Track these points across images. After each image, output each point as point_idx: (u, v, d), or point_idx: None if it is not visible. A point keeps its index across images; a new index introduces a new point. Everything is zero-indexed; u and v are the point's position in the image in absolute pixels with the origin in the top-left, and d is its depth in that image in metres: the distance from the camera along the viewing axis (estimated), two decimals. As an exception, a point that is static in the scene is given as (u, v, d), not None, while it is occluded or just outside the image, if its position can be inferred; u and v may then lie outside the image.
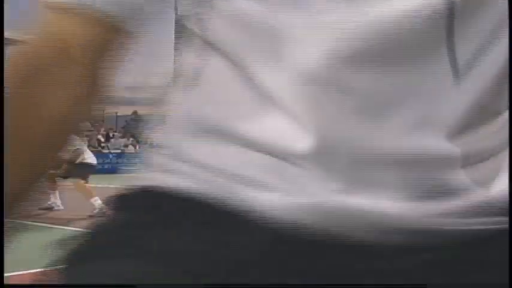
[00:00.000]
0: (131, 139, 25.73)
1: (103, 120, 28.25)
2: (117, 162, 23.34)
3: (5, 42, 0.57)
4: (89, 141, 23.45)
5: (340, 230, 0.44)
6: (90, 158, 7.35)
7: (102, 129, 26.05)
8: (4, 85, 0.50)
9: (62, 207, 7.25)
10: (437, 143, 0.45)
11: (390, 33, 0.44)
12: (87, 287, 0.47)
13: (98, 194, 6.69)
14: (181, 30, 0.54)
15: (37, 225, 5.22)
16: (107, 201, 0.55)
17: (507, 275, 0.44)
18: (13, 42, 0.54)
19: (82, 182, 7.00)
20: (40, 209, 6.51)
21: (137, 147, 25.24)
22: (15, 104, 0.50)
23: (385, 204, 0.45)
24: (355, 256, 0.44)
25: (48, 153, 0.53)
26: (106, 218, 0.54)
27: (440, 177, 0.45)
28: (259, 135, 0.47)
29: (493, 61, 0.47)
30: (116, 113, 29.61)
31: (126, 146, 25.11)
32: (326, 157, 0.45)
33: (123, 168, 22.96)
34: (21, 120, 0.50)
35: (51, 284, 0.52)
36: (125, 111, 32.88)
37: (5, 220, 0.51)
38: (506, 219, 0.46)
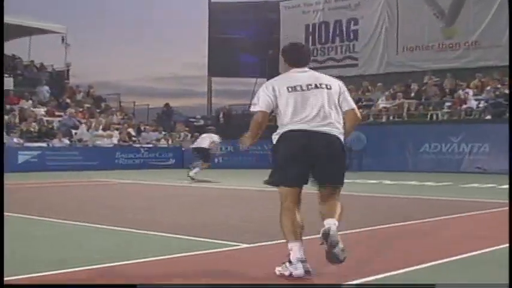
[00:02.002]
0: (163, 133, 25.72)
1: (133, 113, 28.38)
2: (149, 157, 23.38)
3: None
4: (119, 134, 23.62)
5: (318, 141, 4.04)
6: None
7: (133, 122, 26.14)
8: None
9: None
10: None
11: None
12: (87, 287, 0.37)
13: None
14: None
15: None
16: None
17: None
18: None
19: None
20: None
21: (170, 141, 25.26)
22: None
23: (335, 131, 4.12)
24: None
25: None
26: None
27: None
28: None
29: None
30: (148, 105, 29.64)
31: (158, 140, 25.05)
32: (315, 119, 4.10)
33: (155, 163, 23.05)
34: None
35: (51, 284, 0.38)
36: (157, 103, 32.83)
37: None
38: None
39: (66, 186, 13.42)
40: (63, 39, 27.76)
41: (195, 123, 28.52)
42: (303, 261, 3.95)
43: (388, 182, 14.98)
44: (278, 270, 4.06)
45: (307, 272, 3.96)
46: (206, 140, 16.61)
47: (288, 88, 4.20)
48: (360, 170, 19.44)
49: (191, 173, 15.64)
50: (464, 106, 21.42)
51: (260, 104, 4.21)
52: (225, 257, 4.85)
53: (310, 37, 28.51)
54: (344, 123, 4.24)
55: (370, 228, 6.44)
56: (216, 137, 16.83)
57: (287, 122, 4.14)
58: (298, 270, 3.94)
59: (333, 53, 27.97)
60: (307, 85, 4.23)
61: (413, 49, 25.39)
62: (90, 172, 18.76)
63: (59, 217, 7.18)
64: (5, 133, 19.34)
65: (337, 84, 4.35)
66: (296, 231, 4.00)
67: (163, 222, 6.89)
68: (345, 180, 4.14)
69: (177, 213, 8.08)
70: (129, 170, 20.75)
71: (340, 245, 3.84)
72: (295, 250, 3.97)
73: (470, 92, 21.80)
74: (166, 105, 30.44)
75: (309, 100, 4.16)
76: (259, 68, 30.21)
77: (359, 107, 22.49)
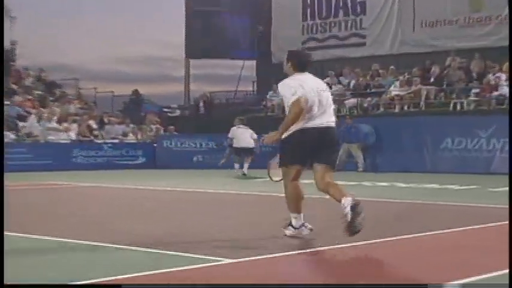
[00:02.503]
0: (131, 125, 25.63)
1: (95, 102, 28.20)
2: (114, 155, 23.25)
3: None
4: (78, 128, 23.49)
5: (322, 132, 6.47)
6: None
7: (94, 113, 25.98)
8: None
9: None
10: None
11: None
12: (87, 286, 0.49)
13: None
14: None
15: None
16: None
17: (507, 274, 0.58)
18: None
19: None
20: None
21: (139, 136, 25.15)
22: None
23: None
24: None
25: None
26: None
27: None
28: None
29: None
30: (112, 92, 29.44)
31: (125, 134, 24.92)
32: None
33: (122, 162, 22.94)
34: None
35: (52, 284, 0.47)
36: (124, 90, 32.57)
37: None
38: None
39: (11, 191, 13.24)
40: (6, 12, 27.56)
41: (170, 114, 28.49)
42: (304, 225, 6.65)
43: (402, 184, 15.06)
44: (287, 232, 6.65)
45: (310, 229, 6.64)
46: (249, 138, 17.96)
47: (307, 88, 6.42)
48: (376, 171, 19.99)
49: (245, 171, 17.99)
50: (495, 93, 21.50)
51: (299, 92, 6.32)
52: (202, 274, 4.86)
53: (308, 10, 28.47)
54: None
55: (380, 240, 6.51)
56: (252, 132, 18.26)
57: (308, 118, 6.44)
58: (304, 231, 6.63)
59: (336, 30, 28.02)
60: (317, 87, 6.54)
61: (433, 24, 25.41)
62: (42, 173, 18.67)
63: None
64: None
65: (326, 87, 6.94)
66: (299, 205, 6.65)
67: (129, 233, 6.94)
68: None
69: (143, 222, 8.14)
70: (89, 171, 20.66)
71: (363, 214, 6.08)
72: (298, 218, 6.66)
73: (503, 76, 21.76)
74: (135, 92, 30.42)
75: (322, 100, 6.53)
76: (247, 48, 30.10)
77: (367, 95, 22.47)
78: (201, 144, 23.59)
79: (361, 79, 25.24)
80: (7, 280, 4.46)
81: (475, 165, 19.48)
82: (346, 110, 23.68)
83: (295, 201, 6.63)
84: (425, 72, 23.96)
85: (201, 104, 28.60)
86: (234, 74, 30.99)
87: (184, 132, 25.25)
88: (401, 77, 24.27)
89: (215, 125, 24.26)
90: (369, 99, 24.02)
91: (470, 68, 23.36)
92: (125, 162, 23.12)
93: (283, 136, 6.43)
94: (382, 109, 23.35)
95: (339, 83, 25.99)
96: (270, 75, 26.17)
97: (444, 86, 23.09)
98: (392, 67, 25.01)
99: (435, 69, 23.72)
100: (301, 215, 6.66)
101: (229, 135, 18.78)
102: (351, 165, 20.50)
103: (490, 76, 22.00)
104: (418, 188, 14.33)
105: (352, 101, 24.26)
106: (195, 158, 23.43)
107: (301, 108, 6.26)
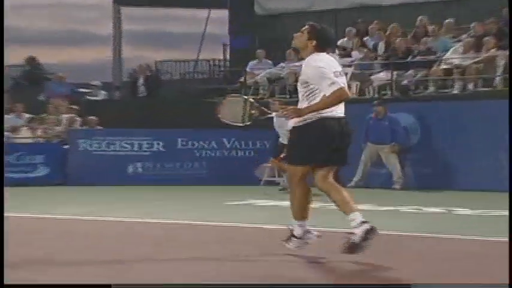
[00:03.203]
0: (27, 115, 25.34)
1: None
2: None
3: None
4: None
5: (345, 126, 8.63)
6: None
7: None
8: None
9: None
10: None
11: None
12: (87, 286, 0.76)
13: None
14: None
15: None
16: None
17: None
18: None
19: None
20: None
21: (39, 132, 24.41)
22: None
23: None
24: None
25: None
26: None
27: None
28: None
29: None
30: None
31: (15, 129, 24.30)
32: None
33: (9, 175, 22.19)
34: None
35: (52, 284, 3.83)
36: (14, 57, 31.85)
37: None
38: None
39: None
40: None
41: (90, 97, 27.94)
42: (309, 232, 8.75)
43: (465, 211, 15.09)
44: (291, 245, 8.73)
45: (318, 236, 8.78)
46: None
47: (334, 73, 8.45)
48: (423, 189, 20.21)
49: (282, 183, 19.88)
50: None
51: (339, 82, 8.40)
52: None
53: None
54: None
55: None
56: None
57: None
58: (312, 238, 8.75)
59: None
60: (339, 71, 8.61)
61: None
62: None
63: None
64: None
65: None
66: (306, 210, 8.69)
67: None
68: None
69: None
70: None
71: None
72: (303, 225, 8.71)
73: None
74: (31, 60, 29.77)
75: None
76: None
77: (407, 66, 23.02)
78: (140, 146, 23.35)
79: (398, 40, 24.92)
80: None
81: None
82: (374, 90, 23.72)
83: (303, 206, 8.64)
84: (504, 27, 23.50)
85: (141, 80, 28.02)
86: (194, 33, 30.46)
87: (114, 127, 24.82)
88: (464, 36, 24.03)
89: (163, 116, 24.23)
90: (410, 72, 23.82)
91: None
92: (15, 175, 22.60)
93: (296, 124, 8.49)
94: (432, 88, 23.10)
95: (363, 45, 25.81)
96: (251, 34, 25.81)
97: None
98: (449, 20, 24.87)
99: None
100: (307, 221, 8.77)
101: (275, 124, 18.88)
102: (380, 179, 20.80)
103: None
104: (491, 216, 14.33)
105: (382, 76, 24.20)
106: (130, 168, 23.21)
107: (341, 100, 8.46)
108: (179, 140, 22.48)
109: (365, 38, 26.09)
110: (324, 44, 8.74)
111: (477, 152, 20.48)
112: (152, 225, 13.31)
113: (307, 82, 8.52)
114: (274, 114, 9.94)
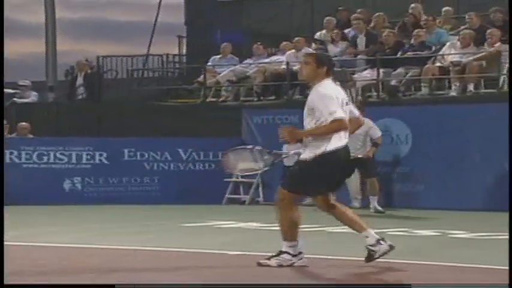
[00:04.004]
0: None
1: None
2: None
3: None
4: None
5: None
6: None
7: None
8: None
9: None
10: None
11: None
12: (89, 287, 4.17)
13: None
14: None
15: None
16: None
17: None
18: None
19: None
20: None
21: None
22: None
23: None
24: None
25: None
26: None
27: None
28: None
29: None
30: None
31: None
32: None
33: None
34: None
35: (51, 284, 7.00)
36: None
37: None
38: None
39: None
40: None
41: (19, 100, 27.86)
42: (301, 253, 10.15)
43: (463, 234, 15.35)
44: (281, 261, 9.97)
45: (305, 261, 10.22)
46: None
47: (341, 101, 9.98)
48: (413, 207, 20.64)
49: (376, 206, 20.23)
50: None
51: (340, 113, 9.88)
52: None
53: None
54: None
55: None
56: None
57: (341, 136, 9.99)
58: (302, 261, 10.08)
59: None
60: (346, 100, 10.14)
61: None
62: None
63: None
64: None
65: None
66: (297, 230, 10.16)
67: None
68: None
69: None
70: None
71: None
72: (295, 246, 10.07)
73: None
74: None
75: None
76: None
77: (396, 64, 23.66)
78: (79, 158, 23.36)
79: (385, 32, 25.00)
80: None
81: None
82: (356, 92, 23.74)
83: (294, 227, 10.02)
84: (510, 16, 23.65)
85: (80, 80, 27.96)
86: (144, 22, 30.52)
87: (48, 135, 24.87)
88: (463, 28, 24.17)
89: (107, 122, 24.57)
90: (400, 71, 23.90)
91: None
92: None
93: (307, 157, 9.95)
94: (425, 90, 23.18)
95: (344, 39, 25.93)
96: (214, 24, 26.03)
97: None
98: (447, 8, 25.18)
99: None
100: (297, 242, 10.16)
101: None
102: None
103: None
104: (494, 240, 14.40)
105: (367, 75, 24.47)
106: (67, 184, 23.18)
107: (341, 129, 9.89)
108: (126, 150, 22.55)
109: (346, 30, 26.13)
110: (333, 68, 10.49)
111: (479, 165, 20.69)
112: (89, 251, 13.26)
113: (313, 109, 9.92)
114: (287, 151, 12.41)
